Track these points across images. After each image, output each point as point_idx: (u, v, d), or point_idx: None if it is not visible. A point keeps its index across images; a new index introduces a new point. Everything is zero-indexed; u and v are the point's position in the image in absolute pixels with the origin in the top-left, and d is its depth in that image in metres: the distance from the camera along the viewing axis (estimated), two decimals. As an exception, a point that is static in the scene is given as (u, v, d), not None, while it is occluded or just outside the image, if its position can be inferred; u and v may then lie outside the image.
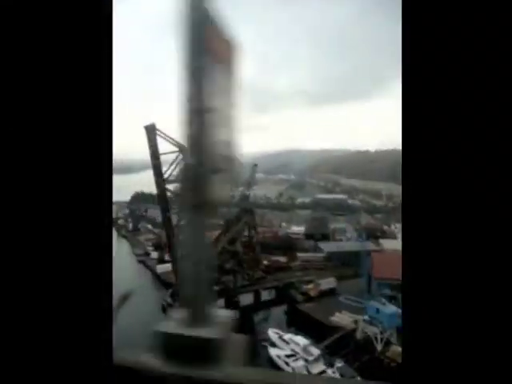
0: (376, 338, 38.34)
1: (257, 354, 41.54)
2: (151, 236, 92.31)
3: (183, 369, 2.58)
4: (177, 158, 48.38)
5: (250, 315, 50.48)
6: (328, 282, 54.81)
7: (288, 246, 76.69)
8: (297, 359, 37.23)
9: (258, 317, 51.05)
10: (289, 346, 39.46)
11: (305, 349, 38.13)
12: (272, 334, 42.46)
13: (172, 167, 48.48)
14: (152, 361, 2.66)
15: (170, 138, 46.58)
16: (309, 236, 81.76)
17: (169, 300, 50.86)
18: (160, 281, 64.36)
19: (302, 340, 39.46)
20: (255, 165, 62.97)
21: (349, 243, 79.80)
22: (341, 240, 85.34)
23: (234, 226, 53.28)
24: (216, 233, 56.59)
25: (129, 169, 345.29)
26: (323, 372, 35.58)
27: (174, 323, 2.65)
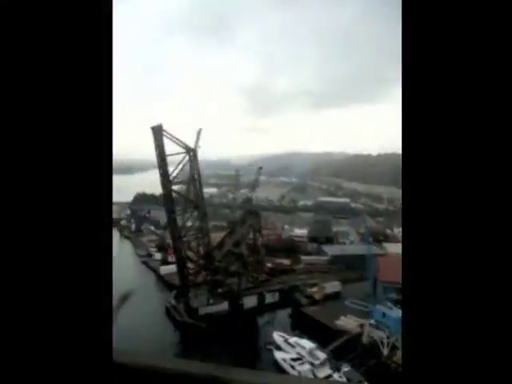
0: (382, 343, 38.10)
1: (262, 356, 41.47)
2: (154, 237, 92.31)
3: (188, 367, 2.62)
4: (183, 159, 48.31)
5: (254, 318, 50.31)
6: (333, 286, 54.60)
7: (291, 248, 76.52)
8: (303, 363, 37.00)
9: (262, 319, 50.81)
10: (294, 350, 39.24)
11: (311, 352, 37.91)
12: (277, 337, 42.21)
13: (178, 168, 48.39)
14: (153, 361, 2.71)
15: (177, 139, 46.44)
16: (312, 239, 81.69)
17: (173, 302, 50.55)
18: (163, 282, 64.09)
19: (307, 343, 39.22)
20: (260, 167, 62.88)
21: (353, 246, 79.57)
22: (344, 243, 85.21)
23: (239, 228, 53.07)
24: (220, 234, 56.54)
25: (129, 169, 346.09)
26: (329, 376, 35.36)
27: None
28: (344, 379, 34.34)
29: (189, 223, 51.21)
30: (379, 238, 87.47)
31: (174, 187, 48.08)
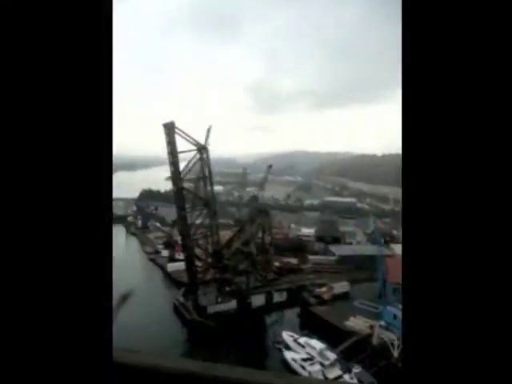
0: (392, 344, 37.89)
1: (270, 356, 41.40)
2: (160, 234, 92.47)
3: (189, 367, 2.61)
4: (194, 156, 48.21)
5: (262, 317, 50.25)
6: (341, 286, 54.46)
7: (299, 248, 76.41)
8: (313, 363, 36.87)
9: (270, 318, 50.72)
10: (304, 350, 39.12)
11: (321, 353, 37.79)
12: (286, 336, 42.10)
13: (189, 165, 48.30)
14: (153, 360, 2.70)
15: (189, 136, 46.33)
16: (319, 238, 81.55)
17: (181, 299, 50.53)
18: (171, 279, 64.14)
19: (317, 344, 39.10)
20: (270, 166, 62.96)
21: (363, 247, 79.53)
22: (351, 243, 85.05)
23: (248, 227, 52.95)
24: (227, 232, 56.38)
25: (132, 165, 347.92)
26: (340, 377, 35.25)
27: None
28: (355, 380, 34.22)
29: (198, 221, 51.09)
30: (386, 239, 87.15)
31: (185, 184, 47.99)
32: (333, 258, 70.47)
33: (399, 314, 38.72)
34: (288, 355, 38.98)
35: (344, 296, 53.44)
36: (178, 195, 47.20)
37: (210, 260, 52.79)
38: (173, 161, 45.64)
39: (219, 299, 49.57)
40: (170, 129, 44.72)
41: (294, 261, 68.00)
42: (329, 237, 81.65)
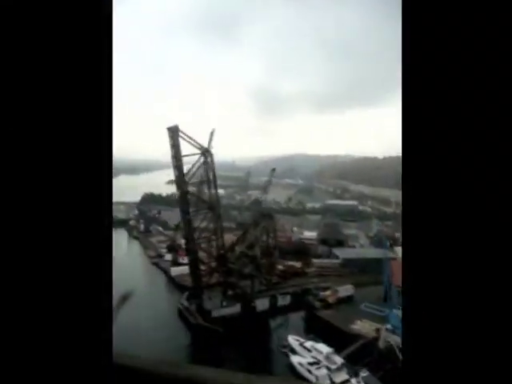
0: (399, 348, 37.69)
1: (276, 360, 41.18)
2: (163, 238, 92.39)
3: (188, 372, 2.60)
4: (198, 159, 48.19)
5: (266, 321, 50.05)
6: (346, 289, 54.26)
7: (302, 251, 76.30)
8: (320, 367, 36.66)
9: (274, 322, 50.52)
10: (310, 354, 38.92)
11: (327, 357, 37.59)
12: (292, 340, 41.90)
13: (194, 169, 48.26)
14: (152, 364, 2.69)
15: (193, 139, 46.32)
16: (323, 241, 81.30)
17: (185, 303, 50.33)
18: (174, 283, 63.95)
19: (324, 348, 38.90)
20: (273, 169, 62.70)
21: (367, 250, 79.44)
22: (354, 247, 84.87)
23: (252, 230, 52.84)
24: (230, 236, 56.18)
25: (133, 169, 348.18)
26: (347, 381, 35.06)
27: None
28: (362, 384, 34.03)
29: (202, 224, 50.98)
30: (389, 242, 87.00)
31: (189, 188, 47.91)
32: (337, 261, 70.31)
33: (406, 317, 38.51)
34: (294, 359, 38.78)
35: (349, 299, 53.23)
36: (183, 199, 47.12)
37: (214, 264, 52.65)
38: (177, 164, 45.62)
39: (224, 303, 49.36)
40: (174, 132, 44.72)
41: (297, 264, 67.86)
42: (332, 240, 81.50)
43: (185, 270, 62.56)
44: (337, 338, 42.44)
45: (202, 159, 48.06)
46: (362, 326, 43.96)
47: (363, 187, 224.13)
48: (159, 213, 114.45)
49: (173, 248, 76.37)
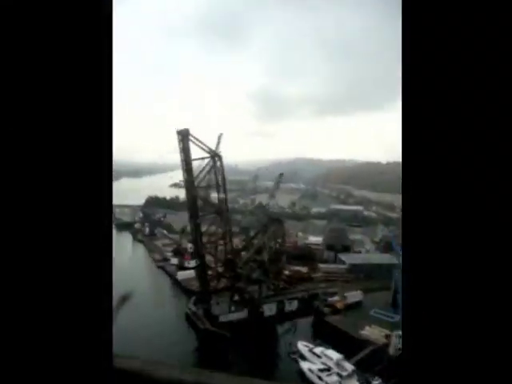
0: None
1: (286, 366, 40.82)
2: (167, 241, 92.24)
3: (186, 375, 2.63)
4: (207, 163, 48.08)
5: (274, 326, 49.71)
6: (354, 295, 53.97)
7: (308, 256, 75.94)
8: (330, 374, 36.28)
9: (282, 328, 50.17)
10: (320, 360, 38.56)
11: (338, 363, 37.21)
12: (301, 346, 41.55)
13: (203, 173, 48.12)
14: (152, 366, 2.74)
15: (203, 143, 46.22)
16: (329, 247, 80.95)
17: (193, 308, 50.05)
18: (180, 287, 63.68)
19: (334, 354, 38.50)
20: (281, 174, 62.63)
21: (373, 255, 79.12)
22: (359, 252, 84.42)
23: (261, 235, 52.60)
24: (235, 240, 55.89)
25: (136, 172, 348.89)
26: (358, 388, 34.73)
27: None
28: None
29: (210, 229, 50.79)
30: (392, 248, 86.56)
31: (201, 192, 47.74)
32: (343, 266, 69.99)
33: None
34: (304, 366, 38.42)
35: (357, 305, 52.87)
36: (192, 203, 46.93)
37: (221, 268, 52.39)
38: (186, 168, 45.47)
39: (232, 308, 49.07)
40: (184, 136, 44.62)
41: (303, 269, 67.55)
42: (339, 245, 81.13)
43: (191, 274, 62.43)
44: (345, 344, 42.07)
45: (211, 163, 47.91)
46: (372, 332, 43.57)
47: (367, 192, 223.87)
48: (164, 216, 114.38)
49: (179, 252, 76.22)
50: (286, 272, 62.55)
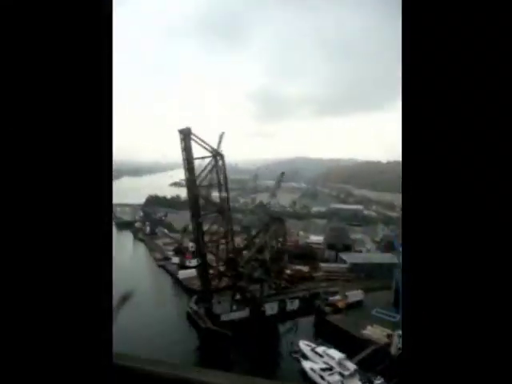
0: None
1: (287, 365, 40.85)
2: (168, 240, 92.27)
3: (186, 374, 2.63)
4: (209, 162, 48.03)
5: (275, 325, 49.72)
6: (355, 295, 54.01)
7: (309, 255, 75.97)
8: (332, 373, 36.33)
9: (283, 327, 50.19)
10: (322, 359, 38.60)
11: (340, 363, 37.26)
12: (303, 345, 41.59)
13: (205, 172, 48.06)
14: (151, 365, 2.73)
15: (205, 142, 46.16)
16: (331, 246, 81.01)
17: (194, 307, 50.06)
18: (182, 286, 63.73)
19: (336, 353, 38.55)
20: (282, 173, 62.63)
21: (374, 255, 79.20)
22: (360, 251, 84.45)
23: (262, 234, 52.59)
24: (236, 239, 55.91)
25: (136, 171, 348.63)
26: (360, 388, 34.76)
27: None
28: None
29: (212, 228, 50.76)
30: (394, 247, 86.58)
31: (203, 191, 47.67)
32: (344, 265, 70.03)
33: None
34: (306, 365, 38.46)
35: (358, 304, 52.91)
36: (194, 202, 46.87)
37: (223, 267, 52.38)
38: (188, 167, 45.37)
39: (234, 307, 49.08)
40: (186, 135, 44.53)
41: (304, 268, 67.58)
42: (340, 244, 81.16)
43: (192, 273, 62.46)
44: (347, 343, 42.11)
45: (213, 162, 47.84)
46: (373, 332, 43.59)
47: (367, 191, 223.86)
48: (166, 215, 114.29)
49: (180, 251, 76.20)
50: (288, 271, 62.57)
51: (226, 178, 48.81)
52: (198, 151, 46.42)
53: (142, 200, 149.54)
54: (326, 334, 46.16)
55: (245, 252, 53.89)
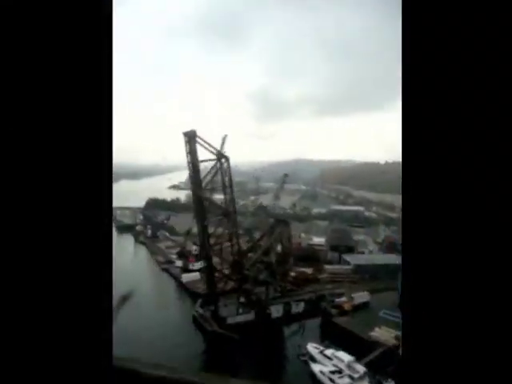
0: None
1: (295, 368, 40.53)
2: (170, 243, 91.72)
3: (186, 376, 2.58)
4: (215, 165, 47.83)
5: (281, 327, 49.44)
6: (361, 296, 53.78)
7: (312, 257, 75.68)
8: (342, 376, 36.04)
9: (289, 329, 49.89)
10: (331, 362, 38.30)
11: (349, 365, 36.98)
12: (311, 348, 41.29)
13: (211, 174, 47.87)
14: (151, 367, 2.71)
15: (210, 145, 45.94)
16: (333, 248, 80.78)
17: (200, 310, 49.73)
18: (185, 290, 63.33)
19: (345, 356, 38.27)
20: (285, 174, 62.41)
21: (377, 256, 79.06)
22: (363, 252, 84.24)
23: (268, 236, 52.34)
24: (240, 241, 55.62)
25: (134, 174, 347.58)
26: (370, 390, 34.48)
27: None
28: (387, 395, 33.42)
29: (218, 231, 50.48)
30: (397, 248, 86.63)
31: (207, 194, 47.41)
32: (348, 267, 69.83)
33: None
34: (315, 368, 38.16)
35: (364, 306, 52.69)
36: (198, 205, 46.59)
37: (228, 270, 52.09)
38: (194, 170, 45.09)
39: (240, 310, 48.77)
40: (191, 138, 44.27)
41: (308, 270, 67.31)
42: (342, 246, 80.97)
43: (196, 276, 62.11)
44: (354, 345, 41.83)
45: (218, 164, 47.57)
46: (381, 333, 43.36)
47: (366, 193, 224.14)
48: (168, 219, 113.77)
49: (183, 254, 75.82)
50: (292, 273, 62.29)
51: (231, 180, 48.53)
52: (201, 153, 46.28)
53: (141, 203, 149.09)
54: (333, 336, 45.84)
55: (249, 254, 53.59)
